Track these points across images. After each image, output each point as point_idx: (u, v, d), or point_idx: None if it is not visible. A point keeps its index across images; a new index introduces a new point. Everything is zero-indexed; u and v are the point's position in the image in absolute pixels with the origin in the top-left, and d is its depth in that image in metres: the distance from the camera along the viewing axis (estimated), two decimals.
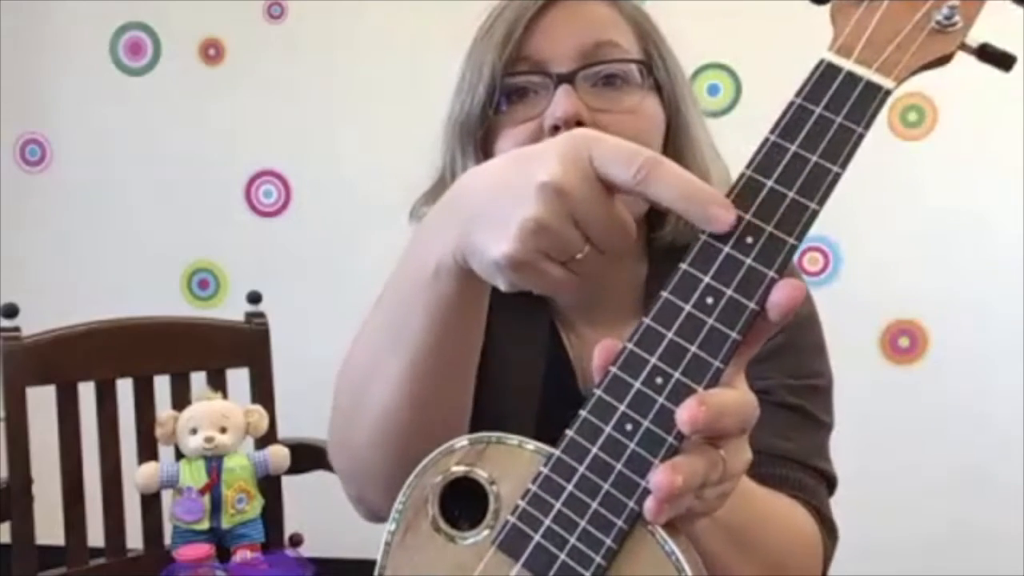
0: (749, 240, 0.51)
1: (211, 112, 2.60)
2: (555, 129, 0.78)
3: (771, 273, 0.50)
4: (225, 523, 1.50)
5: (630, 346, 0.52)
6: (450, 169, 0.86)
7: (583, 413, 0.53)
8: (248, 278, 2.31)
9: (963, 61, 0.56)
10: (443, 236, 0.59)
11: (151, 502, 1.54)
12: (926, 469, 2.43)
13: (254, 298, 1.67)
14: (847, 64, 0.52)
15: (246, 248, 2.62)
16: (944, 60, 0.53)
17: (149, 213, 2.64)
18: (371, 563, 0.59)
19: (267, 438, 1.60)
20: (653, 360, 0.52)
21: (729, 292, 0.51)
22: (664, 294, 0.52)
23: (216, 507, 1.50)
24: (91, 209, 2.65)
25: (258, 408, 1.58)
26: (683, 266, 0.52)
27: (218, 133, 2.61)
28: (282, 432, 1.64)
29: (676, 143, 0.84)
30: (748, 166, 0.52)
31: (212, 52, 2.59)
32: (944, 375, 2.40)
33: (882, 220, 2.36)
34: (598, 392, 0.53)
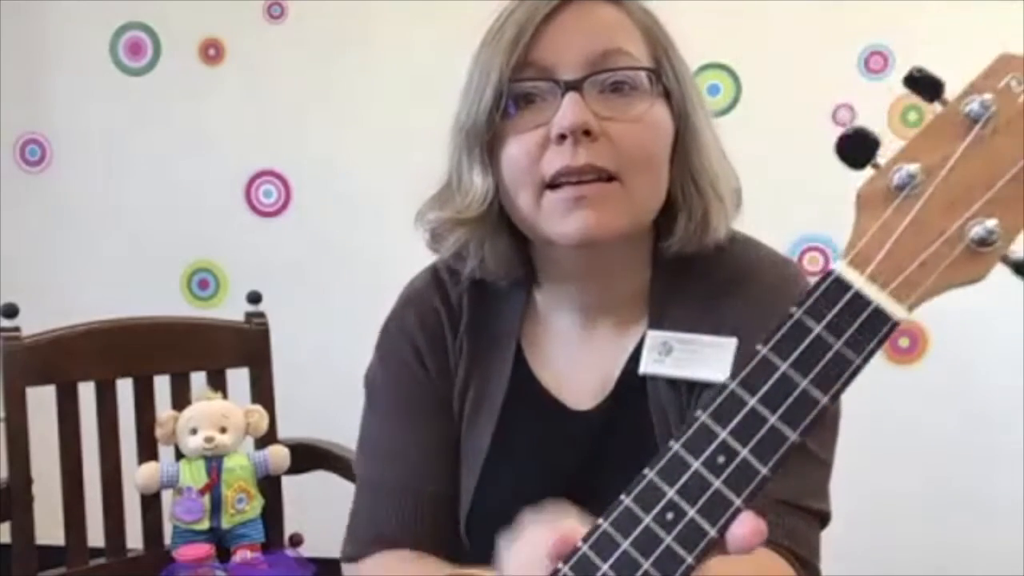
0: (721, 460, 0.47)
1: (211, 112, 2.60)
2: (562, 137, 0.77)
3: (738, 502, 0.47)
4: (225, 523, 1.51)
5: (584, 548, 0.49)
6: (456, 173, 0.85)
7: None
8: (248, 278, 2.31)
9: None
10: None
11: (151, 502, 1.54)
12: (926, 469, 2.43)
13: (254, 298, 1.67)
14: (857, 281, 0.47)
15: (246, 248, 2.62)
16: (972, 282, 0.47)
17: (149, 213, 2.64)
18: None
19: (267, 438, 1.60)
20: (604, 568, 0.49)
21: (691, 512, 0.47)
22: (624, 500, 0.49)
23: (216, 507, 1.50)
24: (91, 209, 2.65)
25: (258, 408, 1.58)
26: (648, 474, 0.49)
27: (218, 133, 2.60)
28: (282, 432, 1.64)
29: (684, 149, 0.83)
30: (733, 377, 0.48)
31: (212, 52, 2.59)
32: (944, 375, 2.40)
33: None
34: None
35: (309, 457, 1.63)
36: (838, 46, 2.38)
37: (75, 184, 2.65)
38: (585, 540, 0.50)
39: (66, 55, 2.62)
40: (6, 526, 1.42)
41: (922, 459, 2.43)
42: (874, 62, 2.37)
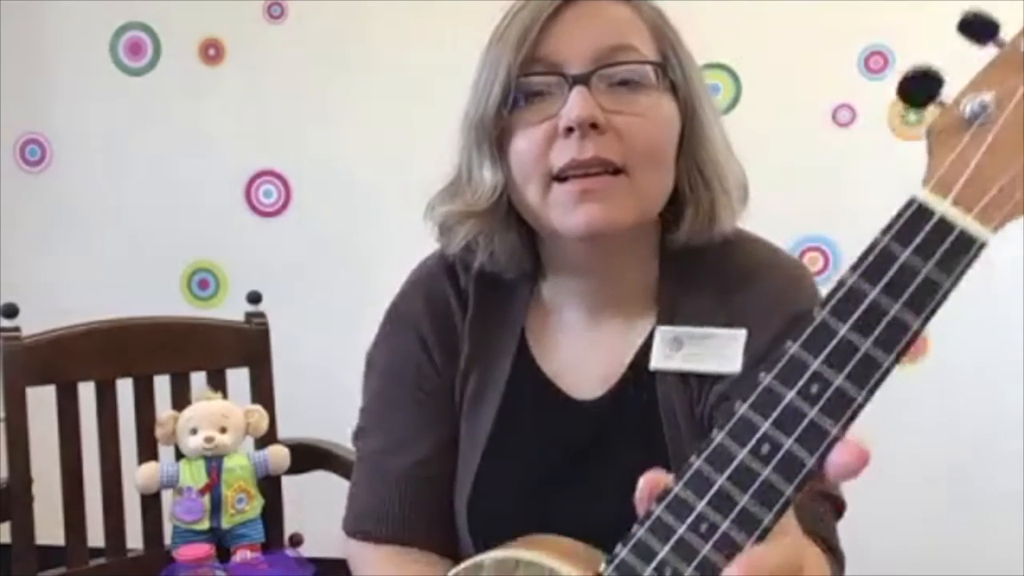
0: (815, 389, 0.47)
1: (211, 112, 2.60)
2: (569, 131, 0.78)
3: (834, 430, 0.47)
4: (225, 523, 1.51)
5: (676, 488, 0.50)
6: (466, 167, 0.86)
7: (620, 552, 0.51)
8: (248, 278, 2.31)
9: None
10: None
11: (151, 502, 1.54)
12: (926, 469, 2.43)
13: (254, 298, 1.67)
14: (941, 206, 0.48)
15: (246, 248, 2.62)
16: None
17: (149, 213, 2.64)
18: None
19: (267, 438, 1.60)
20: (699, 507, 0.49)
21: (788, 443, 0.47)
22: (717, 435, 0.49)
23: (216, 507, 1.50)
24: (91, 209, 2.65)
25: (258, 408, 1.58)
26: (741, 409, 0.49)
27: (218, 133, 2.60)
28: (282, 432, 1.64)
29: (691, 144, 0.84)
30: (823, 306, 0.48)
31: (212, 52, 2.59)
32: (944, 375, 2.40)
33: (882, 220, 2.35)
34: (640, 532, 0.51)
35: (309, 457, 1.63)
36: (838, 46, 2.38)
37: (75, 184, 2.65)
38: (678, 479, 0.50)
39: (66, 55, 2.62)
40: (6, 526, 1.42)
41: (922, 459, 2.42)
42: (874, 62, 2.37)
